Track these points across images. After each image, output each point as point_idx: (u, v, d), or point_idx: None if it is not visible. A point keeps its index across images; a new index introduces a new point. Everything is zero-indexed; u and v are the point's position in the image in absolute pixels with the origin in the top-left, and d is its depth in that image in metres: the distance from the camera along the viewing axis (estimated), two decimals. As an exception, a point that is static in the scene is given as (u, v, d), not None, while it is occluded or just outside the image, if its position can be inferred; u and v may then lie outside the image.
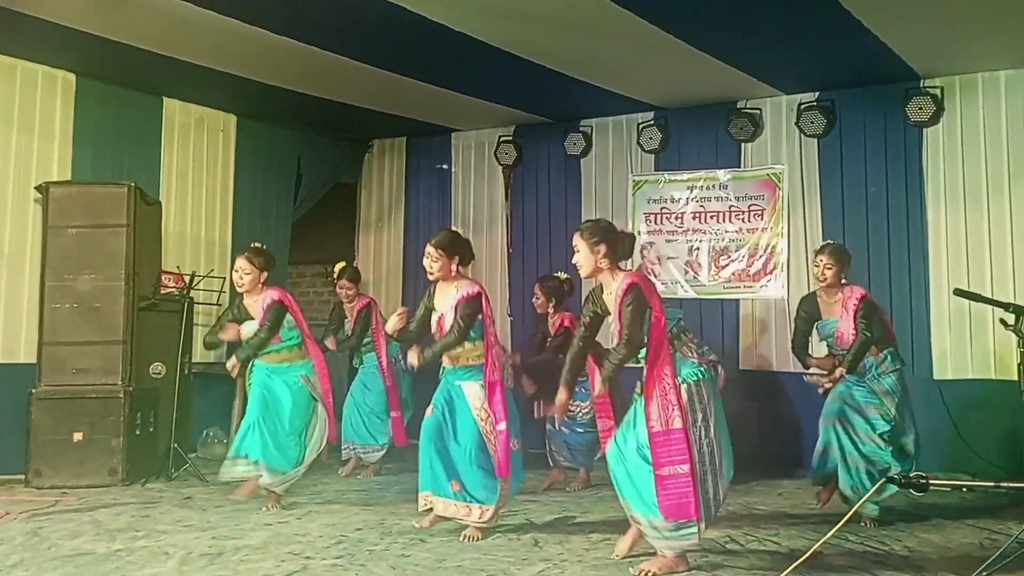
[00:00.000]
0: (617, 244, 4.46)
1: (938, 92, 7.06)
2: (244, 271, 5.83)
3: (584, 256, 4.45)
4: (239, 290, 5.92)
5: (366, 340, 7.30)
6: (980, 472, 6.46)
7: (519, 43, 6.50)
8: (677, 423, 4.22)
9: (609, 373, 4.41)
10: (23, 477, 6.44)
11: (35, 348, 6.64)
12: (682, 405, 4.24)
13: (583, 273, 4.54)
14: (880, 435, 5.40)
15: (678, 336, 5.84)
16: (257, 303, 5.83)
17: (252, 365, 5.92)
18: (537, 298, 6.80)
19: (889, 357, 5.53)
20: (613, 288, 4.42)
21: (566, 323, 6.57)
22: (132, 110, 7.66)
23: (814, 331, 5.73)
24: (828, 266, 5.53)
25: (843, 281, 5.57)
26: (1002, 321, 4.33)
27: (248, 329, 5.85)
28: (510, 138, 8.93)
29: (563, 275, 6.80)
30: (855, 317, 5.42)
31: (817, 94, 7.55)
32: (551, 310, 6.71)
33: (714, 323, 7.89)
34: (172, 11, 5.80)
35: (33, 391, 6.49)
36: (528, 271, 8.65)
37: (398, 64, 7.03)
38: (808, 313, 5.72)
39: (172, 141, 7.97)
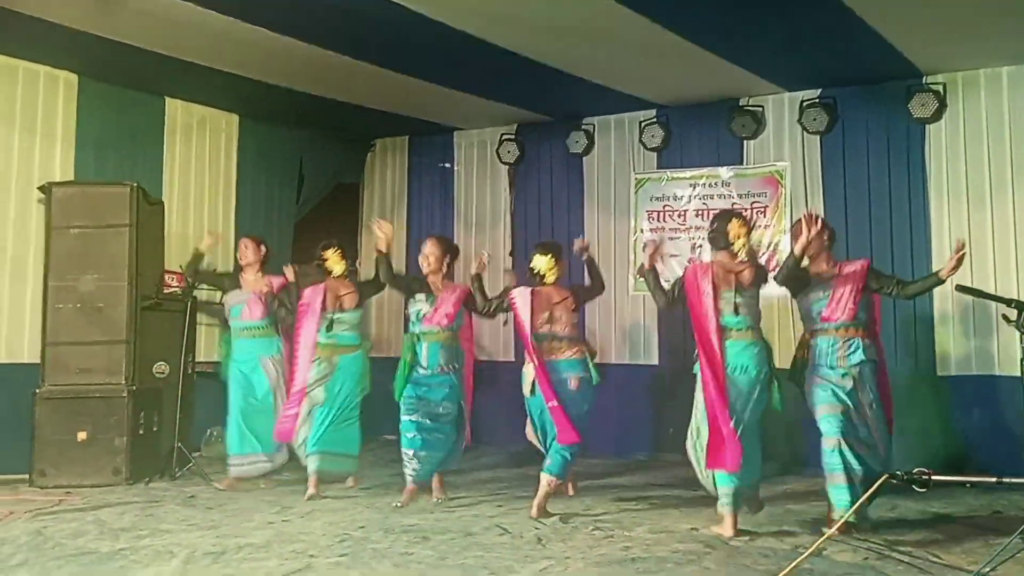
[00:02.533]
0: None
1: (940, 89, 7.05)
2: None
3: None
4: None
5: (261, 324, 6.72)
6: (983, 468, 6.46)
7: (521, 42, 6.50)
8: None
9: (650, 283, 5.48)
10: (27, 477, 6.45)
11: (39, 348, 6.66)
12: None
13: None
14: (864, 440, 5.07)
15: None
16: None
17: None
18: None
19: (873, 346, 5.19)
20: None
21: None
22: (134, 110, 7.67)
23: (803, 298, 5.27)
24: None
25: (826, 244, 5.24)
26: (1004, 317, 4.32)
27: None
28: (512, 136, 8.93)
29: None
30: (863, 282, 5.11)
31: (819, 91, 7.53)
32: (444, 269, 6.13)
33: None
34: (174, 12, 5.81)
35: (37, 391, 6.50)
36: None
37: (400, 63, 7.04)
38: (800, 278, 5.22)
39: (174, 141, 7.97)
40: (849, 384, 5.07)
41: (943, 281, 5.17)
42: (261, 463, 6.60)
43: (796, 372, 5.32)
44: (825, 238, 5.23)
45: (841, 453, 4.95)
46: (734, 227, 5.22)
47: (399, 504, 5.79)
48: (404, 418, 5.92)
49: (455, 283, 6.15)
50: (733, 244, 5.20)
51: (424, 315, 5.95)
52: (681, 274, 5.42)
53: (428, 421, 5.92)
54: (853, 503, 4.76)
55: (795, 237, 5.28)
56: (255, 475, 6.61)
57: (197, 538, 4.95)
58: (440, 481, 6.12)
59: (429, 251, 6.03)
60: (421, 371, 5.92)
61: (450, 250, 6.14)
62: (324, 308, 6.33)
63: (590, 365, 5.74)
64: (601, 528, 5.22)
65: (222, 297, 6.95)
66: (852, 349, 5.10)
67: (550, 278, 5.77)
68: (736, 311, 5.14)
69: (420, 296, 5.98)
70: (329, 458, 6.27)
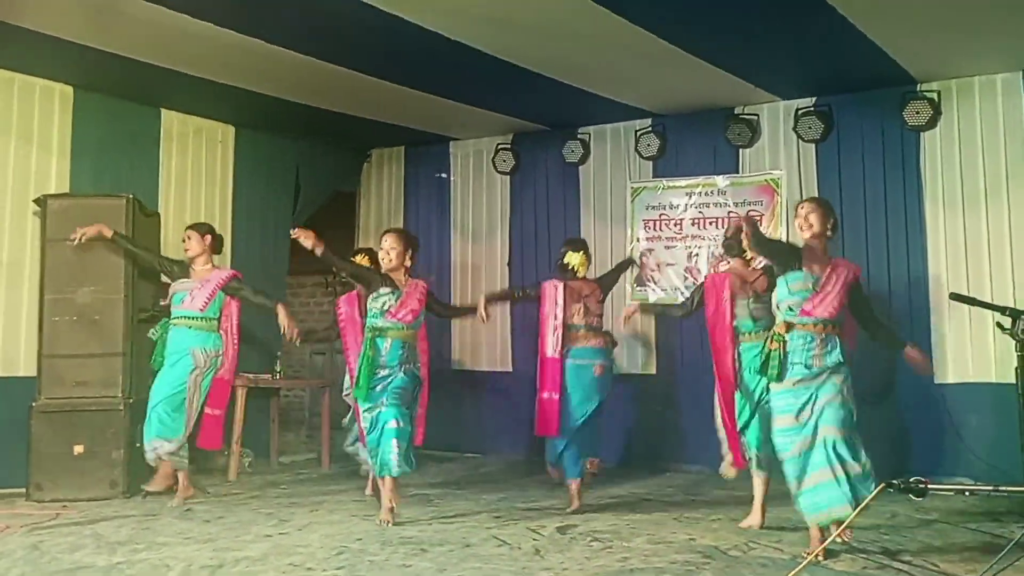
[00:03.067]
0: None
1: (935, 96, 7.06)
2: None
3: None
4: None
5: (200, 315, 6.49)
6: (980, 476, 6.47)
7: (516, 52, 6.52)
8: None
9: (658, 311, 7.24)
10: (24, 490, 6.43)
11: (35, 361, 6.63)
12: None
13: None
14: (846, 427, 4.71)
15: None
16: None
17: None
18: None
19: (846, 348, 4.84)
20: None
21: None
22: (130, 122, 7.66)
23: (786, 285, 4.82)
24: (811, 210, 4.88)
25: (828, 234, 4.91)
26: (998, 325, 4.31)
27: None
28: (508, 146, 8.93)
29: None
30: (849, 287, 4.81)
31: (814, 99, 7.55)
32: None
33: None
34: (169, 23, 5.81)
35: (33, 404, 6.48)
36: (527, 279, 8.65)
37: (395, 74, 7.05)
38: (792, 255, 4.89)
39: (170, 152, 7.96)
40: (823, 381, 4.70)
41: (903, 348, 5.13)
42: (165, 445, 6.28)
43: (773, 369, 4.76)
44: (828, 227, 4.91)
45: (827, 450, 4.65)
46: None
47: (383, 521, 5.63)
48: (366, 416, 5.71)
49: (417, 279, 6.00)
50: (747, 251, 5.56)
51: (389, 309, 5.77)
52: (701, 282, 6.02)
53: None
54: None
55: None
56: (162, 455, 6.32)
57: (194, 551, 4.93)
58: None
59: (390, 246, 5.86)
60: (382, 371, 5.70)
61: (411, 245, 5.97)
62: (362, 315, 6.24)
63: (612, 355, 6.34)
64: (599, 539, 5.21)
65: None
66: (830, 348, 4.72)
67: (581, 272, 6.34)
68: (753, 317, 5.60)
69: (385, 290, 5.78)
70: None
